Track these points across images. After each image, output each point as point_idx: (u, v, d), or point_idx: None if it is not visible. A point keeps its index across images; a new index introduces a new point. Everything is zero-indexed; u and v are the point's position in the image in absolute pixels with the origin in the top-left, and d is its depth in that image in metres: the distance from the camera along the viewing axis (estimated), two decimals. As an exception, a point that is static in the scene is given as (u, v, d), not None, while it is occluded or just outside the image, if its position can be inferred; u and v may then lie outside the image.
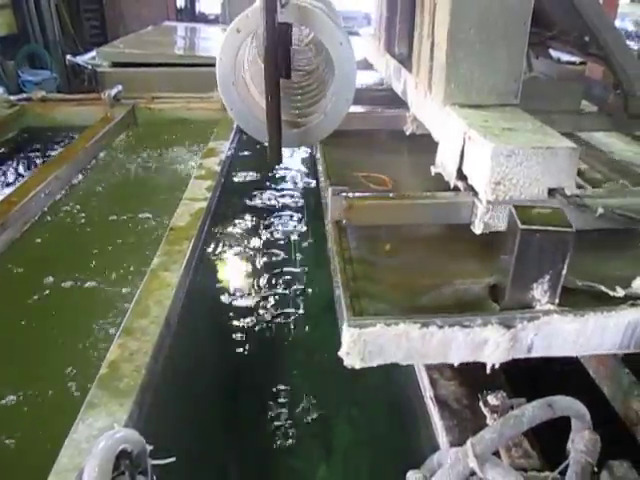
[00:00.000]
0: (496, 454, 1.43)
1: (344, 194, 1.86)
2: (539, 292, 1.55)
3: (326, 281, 3.77)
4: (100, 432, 1.76)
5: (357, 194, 1.89)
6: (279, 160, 1.99)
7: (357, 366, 1.50)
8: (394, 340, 1.46)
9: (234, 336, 3.39)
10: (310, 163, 5.71)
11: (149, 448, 1.56)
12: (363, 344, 1.46)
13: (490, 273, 1.72)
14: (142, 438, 1.53)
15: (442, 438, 1.78)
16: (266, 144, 1.98)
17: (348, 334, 1.45)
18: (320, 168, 2.78)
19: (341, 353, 1.49)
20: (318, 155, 3.05)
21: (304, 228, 4.53)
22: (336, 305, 1.67)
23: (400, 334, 1.45)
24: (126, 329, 2.37)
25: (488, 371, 1.53)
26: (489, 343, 1.47)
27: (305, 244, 4.29)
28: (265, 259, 4.06)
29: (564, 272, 1.52)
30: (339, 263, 1.75)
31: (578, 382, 1.88)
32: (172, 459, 1.62)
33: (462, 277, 1.74)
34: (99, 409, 1.94)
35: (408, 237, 1.94)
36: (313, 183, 5.38)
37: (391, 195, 1.98)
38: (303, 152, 5.88)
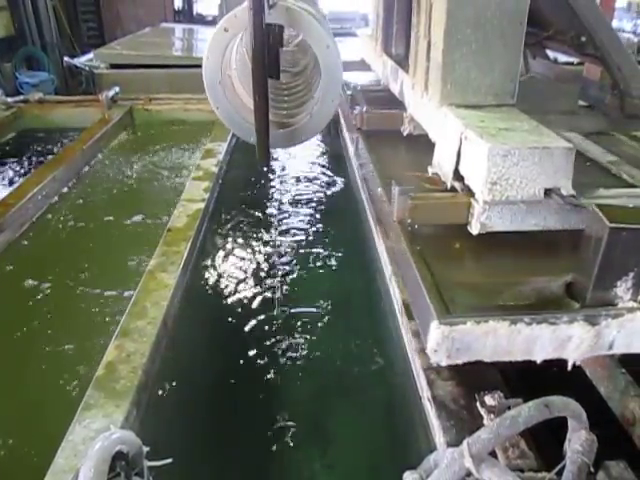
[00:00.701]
0: (493, 454, 1.43)
1: (410, 194, 1.89)
2: (622, 290, 1.55)
3: (328, 281, 3.77)
4: (96, 433, 1.75)
5: (420, 194, 1.93)
6: (267, 160, 1.99)
7: (443, 363, 1.51)
8: (481, 337, 1.47)
9: (231, 337, 3.38)
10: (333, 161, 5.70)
11: (145, 449, 1.56)
12: (451, 341, 1.47)
13: (562, 270, 1.72)
14: (138, 439, 1.52)
15: (439, 438, 1.77)
16: (252, 143, 1.98)
17: (438, 332, 1.46)
18: (371, 167, 2.82)
19: (428, 351, 1.51)
20: (363, 154, 3.07)
21: (305, 227, 4.53)
22: (410, 303, 1.73)
23: (488, 331, 1.47)
24: (123, 330, 2.37)
25: (569, 368, 1.54)
26: (573, 340, 1.49)
27: (306, 244, 4.28)
28: (265, 258, 4.06)
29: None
30: (416, 262, 1.75)
31: (575, 382, 1.88)
32: (168, 460, 1.62)
33: (537, 275, 1.74)
34: (95, 410, 1.94)
35: (470, 235, 1.94)
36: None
37: (453, 195, 1.99)
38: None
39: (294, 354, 3.09)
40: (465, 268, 1.76)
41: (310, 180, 5.47)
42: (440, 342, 1.47)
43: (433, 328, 1.48)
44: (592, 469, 1.40)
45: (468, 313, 1.50)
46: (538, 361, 1.54)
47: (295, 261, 3.98)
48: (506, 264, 1.83)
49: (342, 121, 4.11)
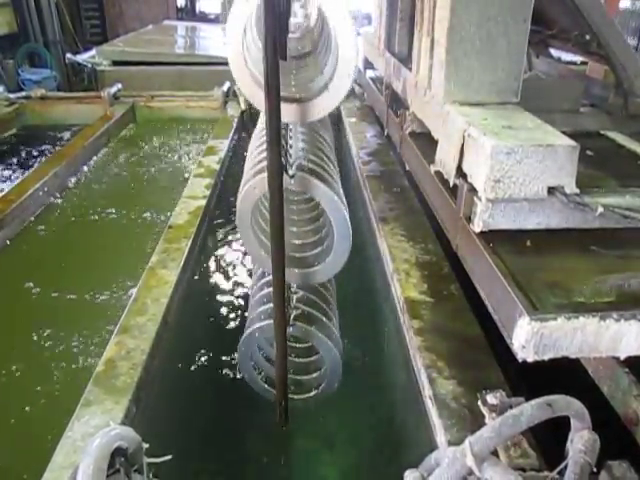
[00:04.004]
0: (494, 453, 1.42)
1: None
2: None
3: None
4: (96, 430, 1.74)
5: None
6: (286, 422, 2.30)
7: (530, 359, 1.52)
8: (569, 333, 1.48)
9: (232, 333, 3.38)
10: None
11: (145, 446, 1.55)
12: (540, 338, 1.48)
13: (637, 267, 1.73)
14: (138, 436, 1.51)
15: (440, 437, 1.77)
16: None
17: (528, 328, 1.47)
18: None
19: (516, 347, 1.52)
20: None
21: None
22: (488, 301, 1.73)
23: (577, 327, 1.48)
24: (123, 327, 2.36)
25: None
26: None
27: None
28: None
29: None
30: (496, 261, 1.75)
31: (578, 381, 1.87)
32: (168, 457, 1.61)
33: (613, 271, 1.73)
34: (95, 407, 1.93)
35: (538, 233, 1.92)
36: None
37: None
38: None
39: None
40: (540, 265, 1.75)
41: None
42: (529, 338, 1.48)
43: (523, 324, 1.48)
44: (594, 469, 1.39)
45: (554, 310, 1.51)
46: (622, 357, 1.56)
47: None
48: (580, 261, 1.81)
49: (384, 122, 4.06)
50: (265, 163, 1.78)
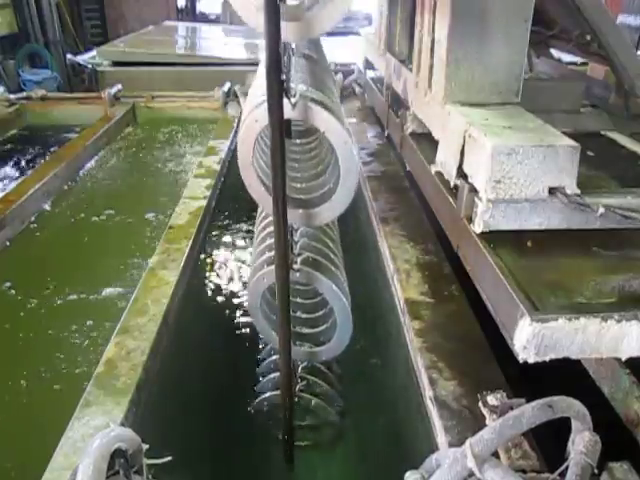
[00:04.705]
0: (495, 455, 1.42)
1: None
2: None
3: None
4: (96, 431, 1.74)
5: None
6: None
7: (531, 360, 1.52)
8: (570, 334, 1.49)
9: (233, 334, 3.37)
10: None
11: (145, 447, 1.54)
12: (541, 338, 1.48)
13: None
14: (138, 437, 1.51)
15: (441, 438, 1.76)
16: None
17: (530, 329, 1.47)
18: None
19: (517, 348, 1.52)
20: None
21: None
22: (488, 300, 1.74)
23: (578, 328, 1.48)
24: (123, 327, 2.35)
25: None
26: None
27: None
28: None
29: None
30: (497, 262, 1.75)
31: (578, 382, 1.87)
32: (168, 458, 1.61)
33: (615, 272, 1.74)
34: (95, 407, 1.92)
35: (540, 233, 1.93)
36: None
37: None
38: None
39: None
40: (541, 266, 1.75)
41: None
42: (530, 339, 1.48)
43: (524, 325, 1.48)
44: (596, 470, 1.38)
45: (556, 310, 1.52)
46: (623, 359, 1.56)
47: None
48: (581, 261, 1.81)
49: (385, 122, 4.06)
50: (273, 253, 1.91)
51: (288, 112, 1.74)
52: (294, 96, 1.76)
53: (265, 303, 2.41)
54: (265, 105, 1.66)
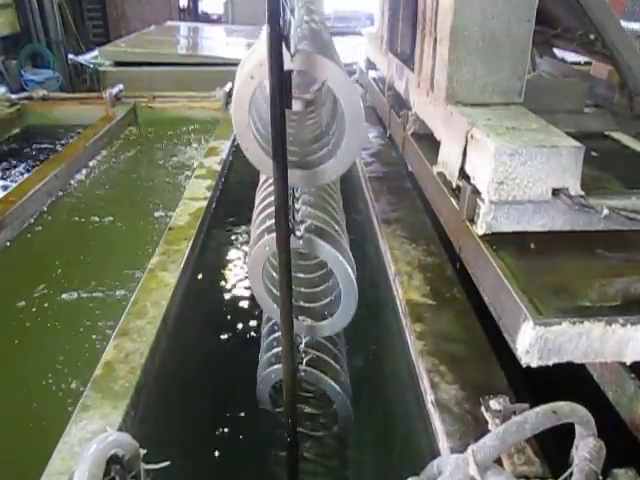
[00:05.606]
0: (498, 460, 1.39)
1: None
2: None
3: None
4: (93, 435, 1.72)
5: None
6: None
7: (534, 364, 1.50)
8: (574, 338, 1.47)
9: (233, 337, 3.35)
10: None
11: (142, 452, 1.52)
12: (544, 342, 1.46)
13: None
14: (135, 442, 1.49)
15: (443, 443, 1.74)
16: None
17: (532, 332, 1.45)
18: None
19: (520, 352, 1.50)
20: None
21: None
22: (491, 304, 1.72)
23: (582, 332, 1.46)
24: (122, 330, 2.33)
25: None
26: None
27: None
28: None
29: None
30: (499, 264, 1.73)
31: (582, 387, 1.84)
32: (166, 463, 1.59)
33: (619, 276, 1.71)
34: (93, 411, 1.90)
35: (543, 236, 1.90)
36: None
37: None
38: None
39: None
40: (545, 268, 1.73)
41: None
42: (533, 343, 1.46)
43: (527, 329, 1.46)
44: (600, 477, 1.36)
45: (559, 314, 1.49)
46: (628, 363, 1.54)
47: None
48: (585, 264, 1.79)
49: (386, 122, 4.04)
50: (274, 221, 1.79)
51: (288, 63, 1.65)
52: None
53: (266, 275, 2.27)
54: (260, 59, 1.59)
